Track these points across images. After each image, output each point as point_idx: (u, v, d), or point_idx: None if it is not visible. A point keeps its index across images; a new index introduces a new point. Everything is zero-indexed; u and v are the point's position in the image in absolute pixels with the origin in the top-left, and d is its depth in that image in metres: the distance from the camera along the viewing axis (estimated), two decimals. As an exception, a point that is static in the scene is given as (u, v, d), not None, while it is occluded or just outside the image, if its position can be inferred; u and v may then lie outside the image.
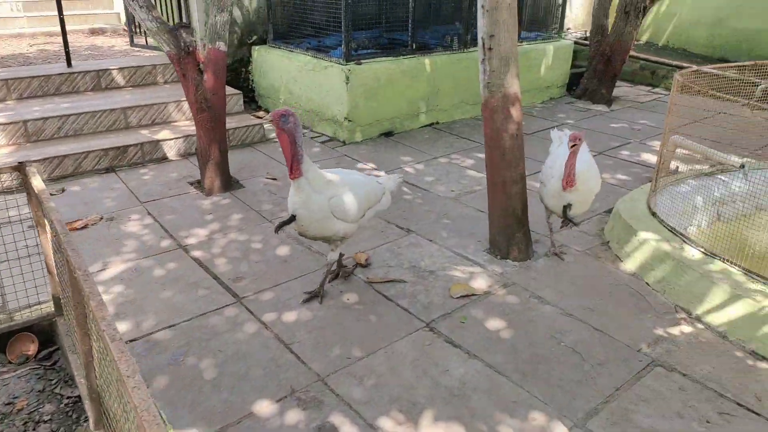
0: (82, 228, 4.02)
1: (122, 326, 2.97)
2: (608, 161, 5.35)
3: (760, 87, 5.91)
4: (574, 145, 3.10)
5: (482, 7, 3.24)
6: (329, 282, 3.34)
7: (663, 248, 3.38)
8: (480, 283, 3.34)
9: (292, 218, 2.89)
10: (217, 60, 4.32)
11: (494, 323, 2.99)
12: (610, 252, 3.72)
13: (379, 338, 2.88)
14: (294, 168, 2.77)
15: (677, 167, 4.74)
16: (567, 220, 3.34)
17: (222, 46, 4.29)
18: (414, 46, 6.05)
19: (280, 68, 6.35)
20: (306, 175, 2.81)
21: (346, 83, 5.52)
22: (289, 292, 3.28)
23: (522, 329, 2.96)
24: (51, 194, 4.53)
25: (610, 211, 4.23)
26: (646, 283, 3.38)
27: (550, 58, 7.41)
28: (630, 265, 3.53)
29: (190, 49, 4.18)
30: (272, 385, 2.57)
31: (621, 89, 8.10)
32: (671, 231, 3.57)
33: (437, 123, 6.43)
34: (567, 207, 3.32)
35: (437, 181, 4.87)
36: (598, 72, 7.46)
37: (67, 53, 5.97)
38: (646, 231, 3.56)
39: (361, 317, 3.04)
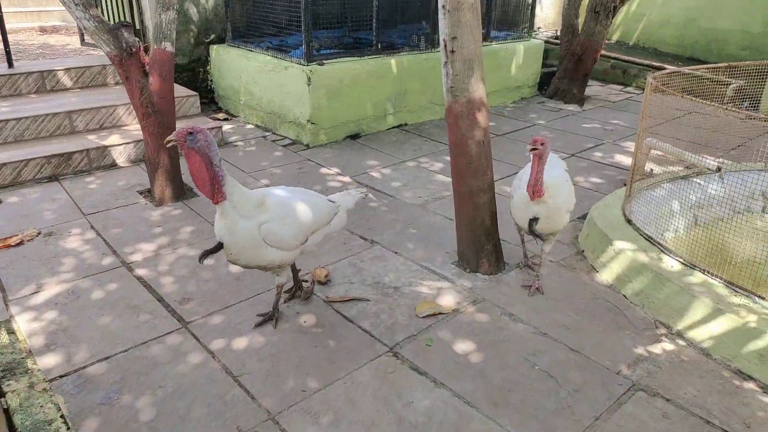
0: (18, 245, 3.67)
1: (52, 359, 2.65)
2: (582, 163, 5.19)
3: (731, 86, 5.80)
4: (534, 149, 2.80)
5: (443, 7, 3.01)
6: (285, 302, 3.07)
7: (640, 259, 3.20)
8: (448, 300, 3.11)
9: (219, 246, 2.57)
10: (163, 61, 4.00)
11: (463, 345, 2.76)
12: (585, 262, 3.53)
13: (337, 366, 2.62)
14: (216, 191, 2.42)
15: (651, 170, 4.59)
16: (534, 235, 3.05)
17: (168, 46, 3.97)
18: (379, 46, 5.80)
19: (240, 68, 6.04)
20: (230, 197, 2.46)
21: (308, 84, 5.24)
22: (240, 314, 3.00)
23: (493, 351, 2.73)
24: (-15, 207, 4.18)
25: (584, 217, 4.04)
26: (624, 296, 3.19)
27: (521, 58, 7.24)
28: (606, 276, 3.34)
29: (133, 49, 3.85)
30: (216, 426, 2.30)
31: (593, 88, 7.99)
32: (648, 240, 3.39)
33: (405, 124, 6.19)
34: (533, 221, 3.00)
35: (404, 186, 4.63)
36: (569, 71, 7.32)
37: (8, 53, 5.55)
38: (621, 240, 3.37)
39: (319, 342, 2.78)
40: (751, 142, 4.99)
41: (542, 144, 2.81)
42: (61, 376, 2.55)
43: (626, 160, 5.26)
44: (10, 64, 5.61)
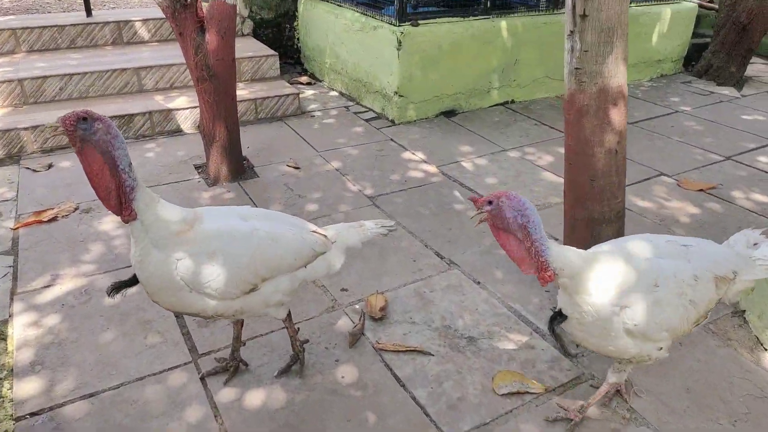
0: (50, 221, 3.26)
1: (31, 386, 2.16)
2: (740, 171, 3.97)
3: None
4: (481, 212, 1.72)
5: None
6: (225, 382, 2.18)
7: (841, 343, 2.15)
8: (539, 371, 2.26)
9: (134, 279, 1.88)
10: (222, 15, 3.34)
11: (555, 452, 1.93)
12: (746, 330, 2.50)
13: (372, 461, 1.90)
14: (124, 206, 1.70)
15: None
16: (556, 339, 1.89)
17: (228, -4, 3.30)
18: (488, 4, 4.80)
19: (327, 26, 5.30)
20: (141, 216, 1.74)
21: (398, 49, 4.40)
22: (268, 351, 2.35)
23: (599, 469, 1.88)
24: (35, 170, 3.84)
25: (744, 254, 2.96)
26: (807, 396, 2.17)
27: (666, 25, 5.89)
28: (779, 358, 2.32)
29: (187, 1, 3.22)
30: None
31: (755, 67, 6.44)
32: None
33: (512, 102, 5.19)
34: (556, 318, 1.86)
35: (502, 185, 3.73)
36: (728, 44, 5.85)
37: (86, 0, 5.19)
38: (810, 307, 2.31)
39: (354, 414, 2.06)
40: None
41: (489, 203, 1.70)
42: (32, 414, 2.04)
43: (805, 171, 3.98)
44: (89, 13, 5.27)
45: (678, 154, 4.21)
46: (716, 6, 6.83)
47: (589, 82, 2.17)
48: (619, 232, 2.36)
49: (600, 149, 2.23)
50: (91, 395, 2.12)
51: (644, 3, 5.77)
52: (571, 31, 2.17)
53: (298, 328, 2.26)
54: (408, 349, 2.34)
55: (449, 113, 4.88)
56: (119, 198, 1.70)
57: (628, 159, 4.06)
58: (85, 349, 2.34)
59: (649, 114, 5.02)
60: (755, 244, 1.97)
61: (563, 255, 1.72)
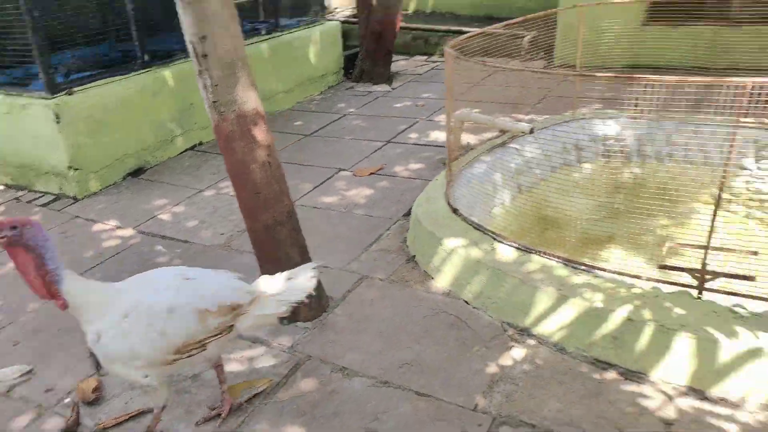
0: None
1: None
2: (397, 149, 4.78)
3: (526, 39, 5.77)
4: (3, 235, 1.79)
5: None
6: None
7: (473, 255, 2.82)
8: (264, 373, 2.46)
9: None
10: None
11: (288, 434, 2.15)
12: (418, 270, 3.08)
13: None
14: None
15: (468, 143, 4.32)
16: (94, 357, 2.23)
17: None
18: (145, 58, 4.87)
19: (-32, 116, 4.74)
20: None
21: (57, 122, 4.19)
22: None
23: None
24: None
25: (410, 214, 3.62)
26: (465, 302, 2.79)
27: (319, 44, 6.69)
28: (442, 282, 2.92)
29: None
30: None
31: (398, 63, 7.71)
32: (478, 229, 3.03)
33: (200, 144, 5.34)
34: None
35: (202, 224, 3.85)
36: (371, 50, 6.93)
37: None
38: (451, 237, 2.97)
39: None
40: (553, 92, 4.96)
41: (13, 228, 1.79)
42: None
43: (443, 136, 4.96)
44: None
45: (350, 150, 4.88)
46: (357, 20, 7.99)
47: (227, 111, 2.43)
48: (296, 228, 2.68)
49: (255, 165, 2.51)
50: None
51: (296, 29, 6.44)
52: (200, 71, 2.40)
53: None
54: (132, 414, 2.30)
55: (137, 172, 4.80)
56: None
57: (312, 165, 4.59)
58: None
59: (324, 123, 5.67)
60: (290, 279, 2.19)
61: (72, 286, 1.89)
